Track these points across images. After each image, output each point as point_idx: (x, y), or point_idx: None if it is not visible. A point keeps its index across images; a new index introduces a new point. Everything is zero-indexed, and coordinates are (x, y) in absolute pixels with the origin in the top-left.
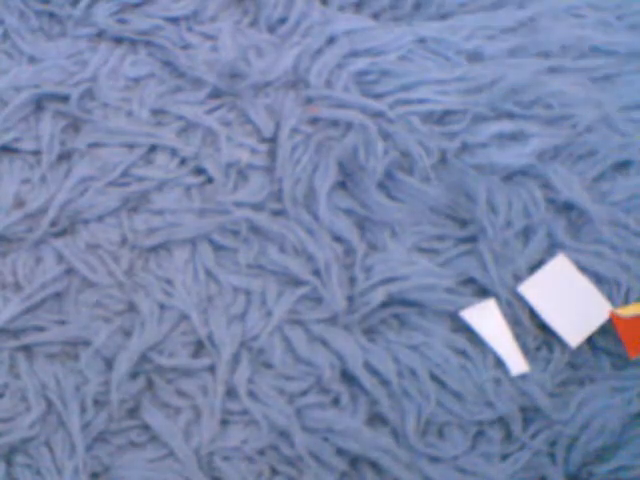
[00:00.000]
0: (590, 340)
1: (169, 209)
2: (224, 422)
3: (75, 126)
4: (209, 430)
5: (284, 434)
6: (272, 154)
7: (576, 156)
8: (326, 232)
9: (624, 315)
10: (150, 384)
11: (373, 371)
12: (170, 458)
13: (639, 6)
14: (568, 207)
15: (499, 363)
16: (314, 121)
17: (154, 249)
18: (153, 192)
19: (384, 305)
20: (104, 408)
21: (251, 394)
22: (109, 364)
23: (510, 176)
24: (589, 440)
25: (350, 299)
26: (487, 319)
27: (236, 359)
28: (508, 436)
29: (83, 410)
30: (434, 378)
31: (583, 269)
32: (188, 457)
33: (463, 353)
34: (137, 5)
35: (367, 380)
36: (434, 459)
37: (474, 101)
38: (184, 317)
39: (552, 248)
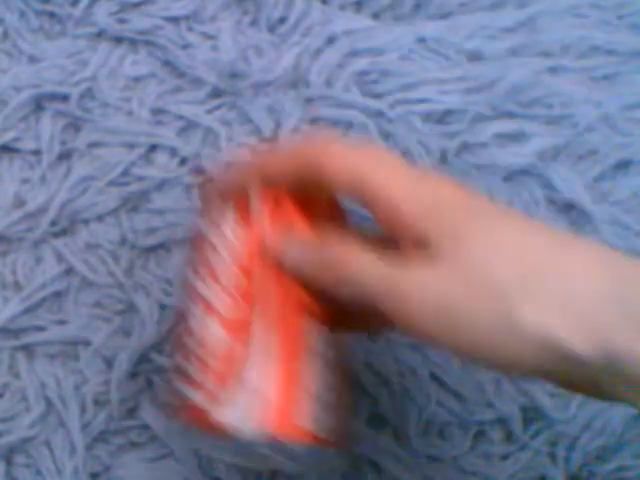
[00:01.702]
0: None
1: (169, 209)
2: None
3: (75, 126)
4: None
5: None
6: None
7: (577, 156)
8: None
9: None
10: (150, 384)
11: (373, 371)
12: (170, 458)
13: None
14: (569, 207)
15: None
16: (314, 121)
17: (154, 249)
18: (153, 192)
19: None
20: (104, 408)
21: None
22: (109, 364)
23: (511, 176)
24: (590, 440)
25: None
26: None
27: None
28: (508, 436)
29: (83, 410)
30: (434, 378)
31: None
32: (188, 457)
33: None
34: (137, 5)
35: (367, 380)
36: (434, 459)
37: (474, 101)
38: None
39: None
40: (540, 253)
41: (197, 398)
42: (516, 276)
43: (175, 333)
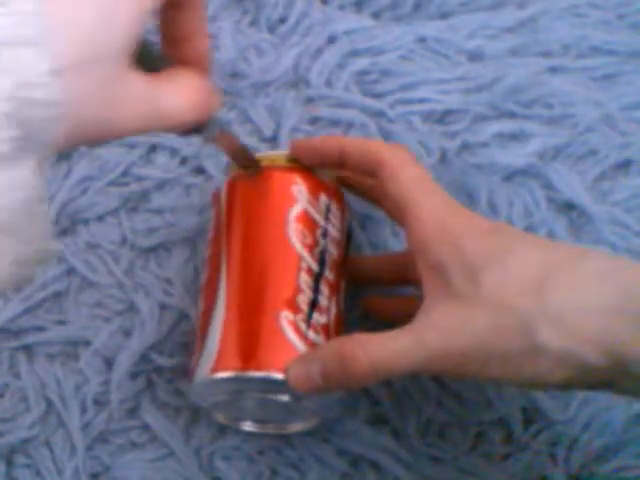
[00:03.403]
0: None
1: (169, 209)
2: None
3: None
4: (209, 430)
5: (284, 434)
6: None
7: (577, 156)
8: None
9: None
10: (150, 384)
11: None
12: (170, 458)
13: None
14: (569, 207)
15: None
16: (314, 120)
17: (154, 248)
18: (153, 192)
19: None
20: (104, 408)
21: None
22: (109, 364)
23: (511, 176)
24: (590, 440)
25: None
26: None
27: None
28: (509, 436)
29: (83, 410)
30: (435, 378)
31: None
32: (188, 457)
33: None
34: None
35: None
36: (435, 459)
37: (475, 101)
38: (184, 317)
39: None
40: (553, 278)
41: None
42: (534, 307)
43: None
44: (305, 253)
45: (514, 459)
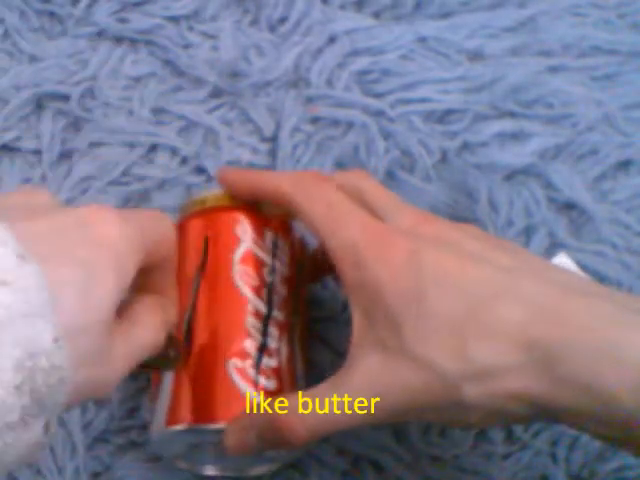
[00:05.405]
0: None
1: (170, 208)
2: None
3: (76, 125)
4: None
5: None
6: (273, 153)
7: (577, 155)
8: None
9: None
10: (150, 383)
11: None
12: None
13: None
14: (569, 206)
15: None
16: (315, 120)
17: None
18: (154, 191)
19: None
20: (105, 408)
21: None
22: None
23: (511, 175)
24: (591, 439)
25: None
26: None
27: None
28: (509, 435)
29: (84, 410)
30: None
31: (584, 268)
32: None
33: None
34: (138, 4)
35: None
36: (435, 458)
37: (475, 100)
38: None
39: (553, 247)
40: (470, 329)
41: None
42: (456, 364)
43: None
44: (252, 295)
45: (515, 458)
